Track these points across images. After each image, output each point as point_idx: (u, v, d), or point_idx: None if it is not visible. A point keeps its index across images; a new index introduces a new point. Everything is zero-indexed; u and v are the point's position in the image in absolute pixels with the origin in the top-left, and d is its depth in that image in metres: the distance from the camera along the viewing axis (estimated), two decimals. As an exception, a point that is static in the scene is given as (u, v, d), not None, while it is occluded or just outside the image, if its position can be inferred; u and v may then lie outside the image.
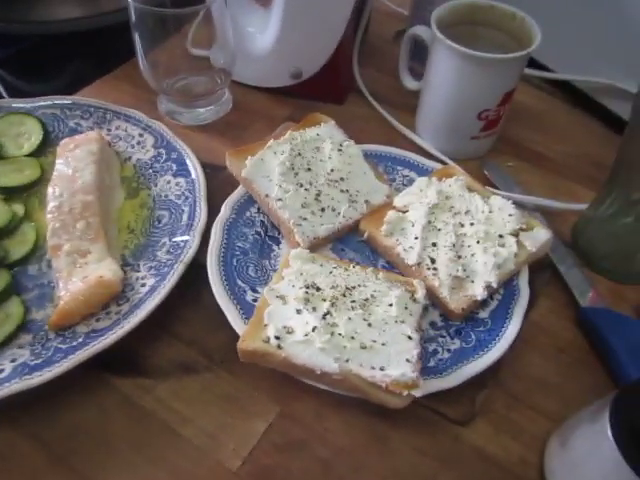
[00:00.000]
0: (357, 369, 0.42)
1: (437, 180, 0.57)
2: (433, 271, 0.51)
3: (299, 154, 0.58)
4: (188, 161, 0.61)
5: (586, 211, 0.60)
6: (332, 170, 0.58)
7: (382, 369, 0.42)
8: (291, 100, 0.75)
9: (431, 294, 0.50)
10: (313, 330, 0.43)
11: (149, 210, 0.59)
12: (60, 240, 0.52)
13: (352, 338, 0.44)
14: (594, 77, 0.74)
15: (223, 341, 0.49)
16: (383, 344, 0.44)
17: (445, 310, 0.50)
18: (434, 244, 0.52)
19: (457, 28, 0.64)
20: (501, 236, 0.52)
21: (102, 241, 0.52)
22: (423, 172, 0.62)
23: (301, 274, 0.48)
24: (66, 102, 0.67)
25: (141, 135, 0.64)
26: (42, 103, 0.67)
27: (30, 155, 0.62)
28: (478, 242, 0.52)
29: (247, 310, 0.48)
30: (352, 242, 0.56)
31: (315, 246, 0.54)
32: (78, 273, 0.50)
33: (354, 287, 0.48)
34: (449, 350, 0.48)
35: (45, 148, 0.64)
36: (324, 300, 0.46)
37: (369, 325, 0.45)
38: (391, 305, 0.47)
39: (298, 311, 0.45)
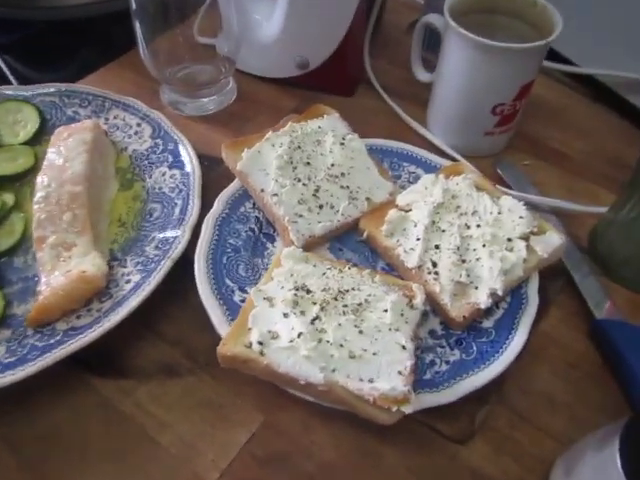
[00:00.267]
0: (344, 380, 0.39)
1: (444, 178, 0.54)
2: (434, 275, 0.47)
3: (299, 147, 0.55)
4: (184, 152, 0.58)
5: (606, 214, 0.55)
6: (333, 165, 0.54)
7: (371, 381, 0.39)
8: (298, 91, 0.72)
9: (431, 300, 0.47)
10: (299, 336, 0.40)
11: (142, 203, 0.56)
12: (45, 232, 0.50)
13: (341, 346, 0.41)
14: (619, 71, 0.69)
15: (209, 342, 0.46)
16: (374, 353, 0.41)
17: (445, 318, 0.47)
18: (437, 246, 0.49)
19: (473, 16, 0.60)
20: (510, 240, 0.49)
21: (89, 234, 0.50)
22: (431, 169, 0.58)
23: (291, 275, 0.45)
24: (65, 90, 0.65)
25: (139, 125, 0.62)
26: (41, 90, 0.65)
27: (26, 143, 0.61)
28: (484, 245, 0.48)
29: (234, 311, 0.46)
30: (351, 242, 0.53)
31: (311, 245, 0.51)
32: (61, 267, 0.48)
33: (347, 290, 0.45)
34: (447, 362, 0.45)
35: (41, 136, 0.62)
36: (314, 304, 0.43)
37: (360, 332, 0.42)
38: (386, 311, 0.43)
39: (285, 315, 0.42)
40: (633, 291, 0.53)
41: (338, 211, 0.52)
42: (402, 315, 0.44)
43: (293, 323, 0.41)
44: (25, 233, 0.53)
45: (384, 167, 0.58)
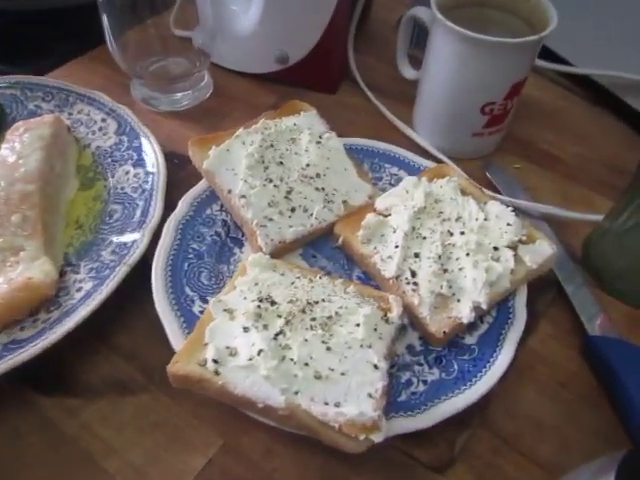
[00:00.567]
0: (307, 404, 0.35)
1: (427, 180, 0.50)
2: (413, 286, 0.43)
3: (271, 145, 0.51)
4: (150, 150, 0.54)
5: (601, 222, 0.52)
6: (308, 165, 0.51)
7: (337, 405, 0.35)
8: (277, 87, 0.68)
9: (409, 313, 0.43)
10: (259, 353, 0.36)
11: (102, 203, 0.52)
12: (-9, 235, 0.46)
13: (306, 365, 0.37)
14: (617, 71, 0.66)
15: (166, 357, 0.42)
16: (342, 373, 0.37)
17: (424, 333, 0.43)
18: (417, 254, 0.45)
19: (463, 10, 0.57)
20: (496, 248, 0.45)
21: (39, 237, 0.46)
22: (415, 171, 0.54)
23: (256, 284, 0.41)
24: (27, 82, 0.61)
25: (104, 120, 0.58)
26: (1, 83, 0.61)
27: (-17, 139, 0.57)
28: (468, 254, 0.44)
29: (192, 323, 0.41)
30: (326, 248, 0.49)
31: (282, 251, 0.47)
32: (8, 273, 0.44)
33: (317, 302, 0.41)
34: (425, 381, 0.41)
35: (1, 131, 0.58)
36: (279, 317, 0.39)
37: (328, 349, 0.38)
38: (358, 325, 0.39)
39: (245, 329, 0.38)
40: (630, 305, 0.49)
41: (312, 215, 0.48)
42: (376, 330, 0.40)
43: (254, 338, 0.37)
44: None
45: (364, 168, 0.54)
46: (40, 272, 0.43)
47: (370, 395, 0.36)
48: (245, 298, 0.40)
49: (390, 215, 0.48)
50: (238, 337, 0.38)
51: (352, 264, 0.49)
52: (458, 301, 0.43)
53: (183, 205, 0.49)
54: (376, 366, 0.37)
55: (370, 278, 0.48)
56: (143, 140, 0.55)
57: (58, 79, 0.63)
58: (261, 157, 0.50)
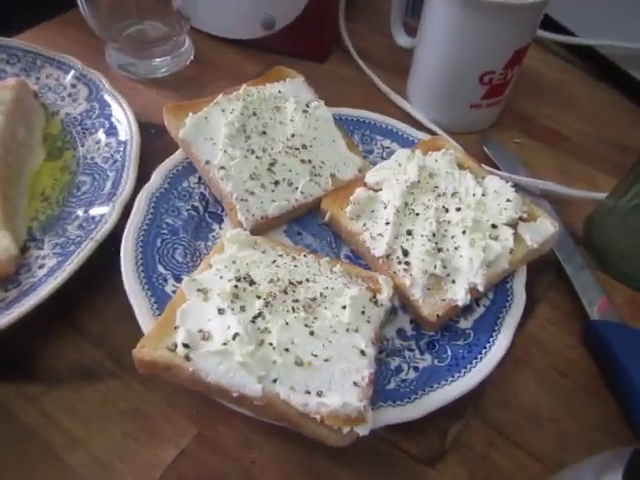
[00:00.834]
0: (286, 393, 0.32)
1: (421, 153, 0.47)
2: (405, 266, 0.40)
3: (254, 114, 0.47)
4: (123, 118, 0.50)
5: (604, 201, 0.49)
6: (293, 135, 0.47)
7: (319, 394, 0.32)
8: (263, 55, 0.64)
9: (400, 295, 0.40)
10: (234, 337, 0.33)
11: (71, 175, 0.49)
12: (-54, 207, 0.42)
13: (286, 350, 0.33)
14: (623, 42, 0.62)
15: (137, 341, 0.39)
16: (326, 360, 0.34)
17: (416, 316, 0.40)
18: (409, 232, 0.42)
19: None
20: (494, 226, 0.42)
21: (-2, 210, 0.42)
22: (408, 144, 0.51)
23: (234, 262, 0.38)
24: (-10, 44, 0.57)
25: (74, 86, 0.54)
26: (-38, 45, 0.56)
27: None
28: (464, 232, 0.41)
29: (163, 304, 0.38)
30: (312, 225, 0.46)
31: (264, 227, 0.44)
32: (-37, 248, 0.40)
33: (300, 282, 0.37)
34: (416, 368, 0.38)
35: (-38, 97, 0.54)
36: (258, 298, 0.36)
37: (311, 333, 0.35)
38: (344, 307, 0.36)
39: (220, 311, 0.35)
40: (633, 288, 0.47)
41: (297, 189, 0.45)
42: (363, 313, 0.36)
43: (229, 321, 0.34)
44: None
45: (354, 140, 0.51)
46: (-2, 247, 0.40)
47: (356, 383, 0.33)
48: (221, 277, 0.37)
49: (381, 190, 0.45)
50: (212, 320, 0.35)
51: (340, 242, 0.45)
52: (453, 282, 0.40)
53: (157, 177, 0.45)
54: (363, 352, 0.34)
55: (359, 257, 0.44)
56: (116, 107, 0.51)
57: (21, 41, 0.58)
58: (242, 126, 0.46)
